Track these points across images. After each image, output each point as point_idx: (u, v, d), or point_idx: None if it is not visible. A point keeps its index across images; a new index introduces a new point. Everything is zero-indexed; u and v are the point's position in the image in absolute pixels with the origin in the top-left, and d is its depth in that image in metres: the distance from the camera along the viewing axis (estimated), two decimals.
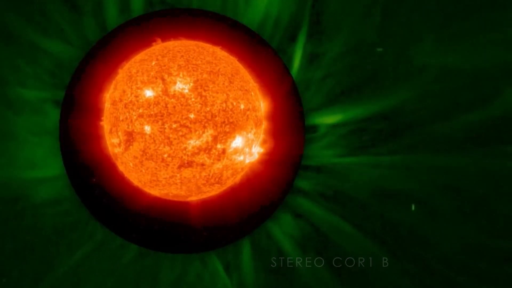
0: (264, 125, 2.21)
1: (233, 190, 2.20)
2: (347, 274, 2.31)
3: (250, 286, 2.29)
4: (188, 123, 1.99)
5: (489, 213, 2.31)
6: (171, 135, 1.99)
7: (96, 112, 2.18)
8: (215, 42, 2.22)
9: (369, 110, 2.32)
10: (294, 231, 2.30)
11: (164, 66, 2.04)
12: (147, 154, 2.01)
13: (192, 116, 1.99)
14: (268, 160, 2.21)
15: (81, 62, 2.21)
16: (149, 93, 2.01)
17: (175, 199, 2.18)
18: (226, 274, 2.29)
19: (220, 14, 2.25)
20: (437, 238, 2.31)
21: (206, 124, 2.00)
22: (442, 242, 2.31)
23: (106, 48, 2.20)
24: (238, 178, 2.19)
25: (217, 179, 2.09)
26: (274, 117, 2.23)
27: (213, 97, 2.02)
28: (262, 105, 2.21)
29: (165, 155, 2.00)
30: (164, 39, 2.21)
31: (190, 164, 2.02)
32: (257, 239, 2.30)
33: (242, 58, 2.22)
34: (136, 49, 2.20)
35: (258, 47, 2.24)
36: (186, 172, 2.03)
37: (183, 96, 2.01)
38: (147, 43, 2.20)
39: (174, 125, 1.98)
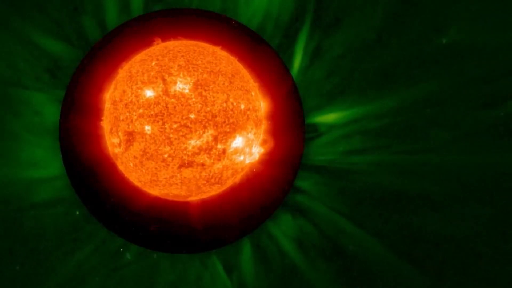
0: (264, 125, 2.20)
1: (233, 190, 2.20)
2: (347, 274, 2.31)
3: (250, 286, 2.29)
4: (188, 123, 1.99)
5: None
6: (171, 135, 1.99)
7: (96, 112, 2.17)
8: (215, 42, 2.22)
9: (370, 109, 2.32)
10: (294, 231, 2.30)
11: (165, 66, 2.04)
12: (148, 154, 2.01)
13: (192, 116, 1.99)
14: (268, 160, 2.21)
15: (81, 62, 2.20)
16: (149, 93, 2.01)
17: (175, 199, 2.17)
18: (226, 274, 2.29)
19: (220, 14, 2.25)
20: (438, 236, 2.31)
21: (207, 124, 2.00)
22: (443, 241, 2.31)
23: (106, 48, 2.20)
24: (238, 178, 2.19)
25: (217, 179, 2.09)
26: (274, 117, 2.22)
27: (214, 97, 2.02)
28: (262, 105, 2.20)
29: (166, 155, 2.00)
30: (164, 39, 2.21)
31: (190, 164, 2.02)
32: (257, 239, 2.30)
33: (242, 58, 2.22)
34: (136, 49, 2.20)
35: (258, 47, 2.24)
36: (187, 172, 2.03)
37: (184, 96, 2.00)
38: (147, 43, 2.20)
39: (174, 125, 1.98)
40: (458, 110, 2.32)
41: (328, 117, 2.32)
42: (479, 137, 2.31)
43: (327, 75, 2.32)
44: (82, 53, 2.26)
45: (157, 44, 2.19)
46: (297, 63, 2.31)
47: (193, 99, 2.00)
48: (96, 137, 2.17)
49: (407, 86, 2.32)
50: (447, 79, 2.33)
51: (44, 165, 2.25)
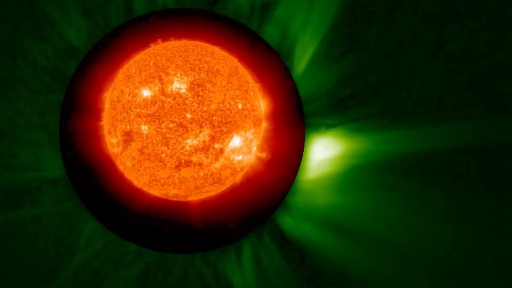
0: (264, 124, 2.20)
1: (233, 190, 2.20)
2: (349, 273, 2.30)
3: (250, 286, 2.29)
4: (185, 122, 1.99)
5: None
6: (168, 135, 1.99)
7: (96, 113, 2.18)
8: (215, 42, 2.22)
9: (370, 110, 2.31)
10: (295, 231, 2.29)
11: (162, 65, 2.05)
12: (145, 154, 2.01)
13: (189, 115, 1.99)
14: (268, 160, 2.20)
15: (81, 62, 2.21)
16: (146, 93, 2.01)
17: (175, 199, 2.18)
18: (227, 274, 2.29)
19: (220, 14, 2.25)
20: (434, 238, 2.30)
21: (203, 124, 2.00)
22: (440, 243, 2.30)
23: (106, 48, 2.21)
24: (238, 178, 2.19)
25: (215, 179, 2.09)
26: (274, 117, 2.22)
27: (211, 96, 2.02)
28: (262, 104, 2.20)
29: (163, 155, 2.00)
30: (164, 39, 2.21)
31: (187, 163, 2.01)
32: (257, 239, 2.29)
33: (242, 58, 2.22)
34: (136, 49, 2.20)
35: (258, 47, 2.23)
36: (184, 172, 2.03)
37: (180, 95, 2.00)
38: (147, 43, 2.21)
39: (171, 125, 1.98)
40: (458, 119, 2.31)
41: (329, 117, 2.31)
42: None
43: (328, 75, 2.31)
44: (82, 53, 2.27)
45: (157, 44, 2.19)
46: (297, 63, 2.31)
47: (190, 99, 2.00)
48: (96, 137, 2.18)
49: (409, 86, 2.31)
50: (449, 81, 2.31)
51: (45, 165, 2.26)
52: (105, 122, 2.13)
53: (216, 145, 2.01)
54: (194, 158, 2.01)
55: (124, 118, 2.03)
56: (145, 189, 2.15)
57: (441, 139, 2.29)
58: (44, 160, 2.26)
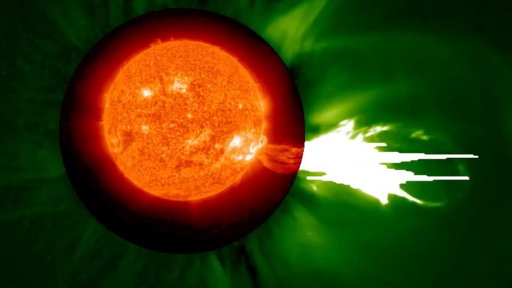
0: (264, 124, 2.20)
1: (234, 190, 2.20)
2: (351, 276, 2.30)
3: (250, 286, 2.29)
4: (185, 122, 1.99)
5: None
6: (168, 135, 1.98)
7: (96, 113, 2.18)
8: (215, 42, 2.22)
9: (371, 109, 2.31)
10: (294, 231, 2.29)
11: (163, 66, 2.04)
12: (145, 154, 2.01)
13: (189, 115, 1.99)
14: (268, 160, 2.20)
15: (81, 62, 2.21)
16: (147, 93, 2.01)
17: (175, 199, 2.17)
18: (226, 274, 2.29)
19: (220, 14, 2.25)
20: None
21: (204, 124, 1.99)
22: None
23: (106, 48, 2.21)
24: (238, 178, 2.18)
25: (216, 179, 2.08)
26: (274, 116, 2.22)
27: (211, 96, 2.02)
28: (262, 104, 2.20)
29: (163, 155, 2.00)
30: (164, 39, 2.21)
31: (188, 164, 2.01)
32: (257, 239, 2.29)
33: (242, 58, 2.22)
34: (136, 49, 2.20)
35: (258, 47, 2.23)
36: (185, 172, 2.03)
37: (181, 95, 2.00)
38: (147, 43, 2.20)
39: (171, 125, 1.98)
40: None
41: (329, 117, 2.31)
42: None
43: (328, 74, 2.31)
44: (82, 53, 2.27)
45: (157, 44, 2.19)
46: (297, 62, 2.31)
47: (190, 99, 2.00)
48: (96, 137, 2.17)
49: (411, 86, 2.31)
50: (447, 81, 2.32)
51: (45, 165, 2.26)
52: (105, 122, 2.13)
53: (217, 145, 2.01)
54: (194, 158, 2.01)
55: (125, 118, 2.02)
56: (145, 189, 2.15)
57: (445, 137, 2.30)
58: (44, 160, 2.25)
